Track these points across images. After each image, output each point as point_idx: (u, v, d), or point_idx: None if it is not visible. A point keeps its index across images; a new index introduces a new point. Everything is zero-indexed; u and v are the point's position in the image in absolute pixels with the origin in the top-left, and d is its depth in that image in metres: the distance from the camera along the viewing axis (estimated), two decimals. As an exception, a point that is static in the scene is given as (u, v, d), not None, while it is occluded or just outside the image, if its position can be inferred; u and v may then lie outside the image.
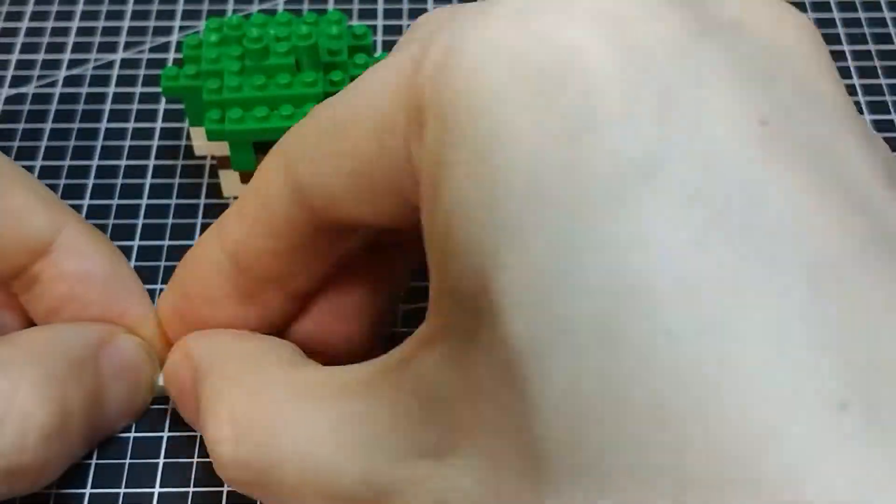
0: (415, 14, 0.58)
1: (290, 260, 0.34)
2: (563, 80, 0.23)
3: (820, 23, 0.57)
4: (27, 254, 0.39)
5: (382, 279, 0.39)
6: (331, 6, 0.59)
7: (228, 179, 0.48)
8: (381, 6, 0.59)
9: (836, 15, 0.58)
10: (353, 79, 0.45)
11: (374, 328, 0.39)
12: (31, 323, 0.41)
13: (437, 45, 0.25)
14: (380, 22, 0.58)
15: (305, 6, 0.58)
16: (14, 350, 0.37)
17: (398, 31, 0.57)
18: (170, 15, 0.58)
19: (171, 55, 0.56)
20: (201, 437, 0.41)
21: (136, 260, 0.47)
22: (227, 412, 0.31)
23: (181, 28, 0.58)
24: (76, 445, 0.38)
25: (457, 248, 0.24)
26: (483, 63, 0.24)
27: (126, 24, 0.58)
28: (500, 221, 0.23)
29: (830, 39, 0.56)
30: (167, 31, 0.57)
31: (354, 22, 0.57)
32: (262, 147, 0.45)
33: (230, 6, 0.59)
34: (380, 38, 0.57)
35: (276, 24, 0.45)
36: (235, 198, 0.48)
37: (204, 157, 0.50)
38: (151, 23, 0.58)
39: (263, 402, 0.31)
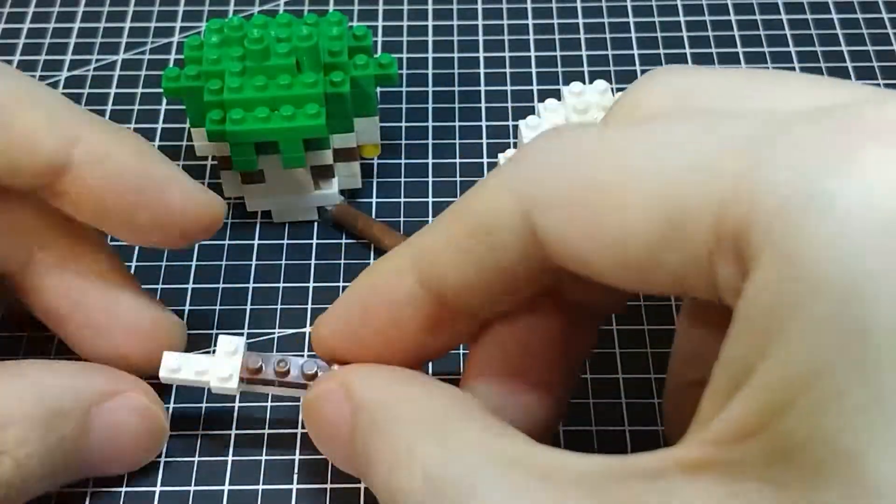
0: (414, 15, 0.58)
1: (499, 293, 0.32)
2: None
3: (818, 24, 0.57)
4: (45, 175, 0.36)
5: (575, 345, 0.36)
6: (331, 7, 0.59)
7: (229, 180, 0.48)
8: (381, 7, 0.59)
9: (835, 16, 0.58)
10: (353, 80, 0.46)
11: (559, 403, 0.36)
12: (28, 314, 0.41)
13: (790, 184, 0.23)
14: (380, 23, 0.58)
15: (306, 7, 0.59)
16: None
17: (399, 31, 0.57)
18: (171, 16, 0.58)
19: (173, 56, 0.56)
20: (203, 435, 0.41)
21: (138, 260, 0.47)
22: (419, 467, 0.29)
23: (182, 29, 0.58)
24: (33, 487, 0.37)
25: (810, 408, 0.22)
26: (860, 216, 0.22)
27: (127, 25, 0.58)
28: (876, 395, 0.22)
29: (828, 41, 0.56)
30: (168, 31, 0.58)
31: (355, 23, 0.58)
32: (263, 147, 0.45)
33: (231, 7, 0.59)
34: (380, 38, 0.57)
35: (277, 25, 0.45)
36: (237, 198, 0.49)
37: (205, 158, 0.50)
38: (153, 24, 0.58)
39: (459, 466, 0.29)
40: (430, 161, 0.51)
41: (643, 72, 0.54)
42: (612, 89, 0.47)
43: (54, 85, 0.55)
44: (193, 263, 0.47)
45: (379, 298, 0.34)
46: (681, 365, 0.35)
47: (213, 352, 0.39)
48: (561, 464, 0.28)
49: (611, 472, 0.26)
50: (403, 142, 0.52)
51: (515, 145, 0.49)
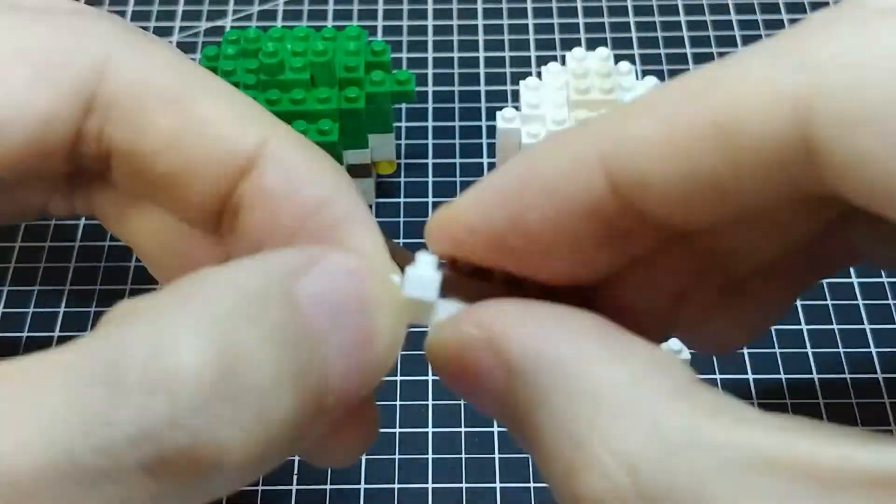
0: (415, 14, 0.58)
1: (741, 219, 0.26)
2: None
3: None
4: (227, 174, 0.29)
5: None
6: (331, 7, 0.59)
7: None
8: (380, 6, 0.58)
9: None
10: (368, 96, 0.45)
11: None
12: None
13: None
14: (380, 22, 0.58)
15: (305, 7, 0.58)
16: (170, 296, 0.24)
17: (398, 31, 0.57)
18: (170, 16, 0.58)
19: (171, 56, 0.56)
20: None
21: (137, 261, 0.47)
22: (621, 467, 0.22)
23: (181, 29, 0.57)
24: (272, 413, 0.23)
25: None
26: None
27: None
28: None
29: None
30: (167, 31, 0.57)
31: (353, 22, 0.57)
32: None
33: (231, 6, 0.58)
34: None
35: (294, 39, 0.45)
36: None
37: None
38: (152, 23, 0.58)
39: (681, 459, 0.21)
40: (430, 161, 0.51)
41: (642, 57, 0.55)
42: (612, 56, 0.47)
43: (52, 85, 0.54)
44: (197, 267, 0.47)
45: (543, 190, 0.25)
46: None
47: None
48: (846, 459, 0.20)
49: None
50: (403, 142, 0.52)
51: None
